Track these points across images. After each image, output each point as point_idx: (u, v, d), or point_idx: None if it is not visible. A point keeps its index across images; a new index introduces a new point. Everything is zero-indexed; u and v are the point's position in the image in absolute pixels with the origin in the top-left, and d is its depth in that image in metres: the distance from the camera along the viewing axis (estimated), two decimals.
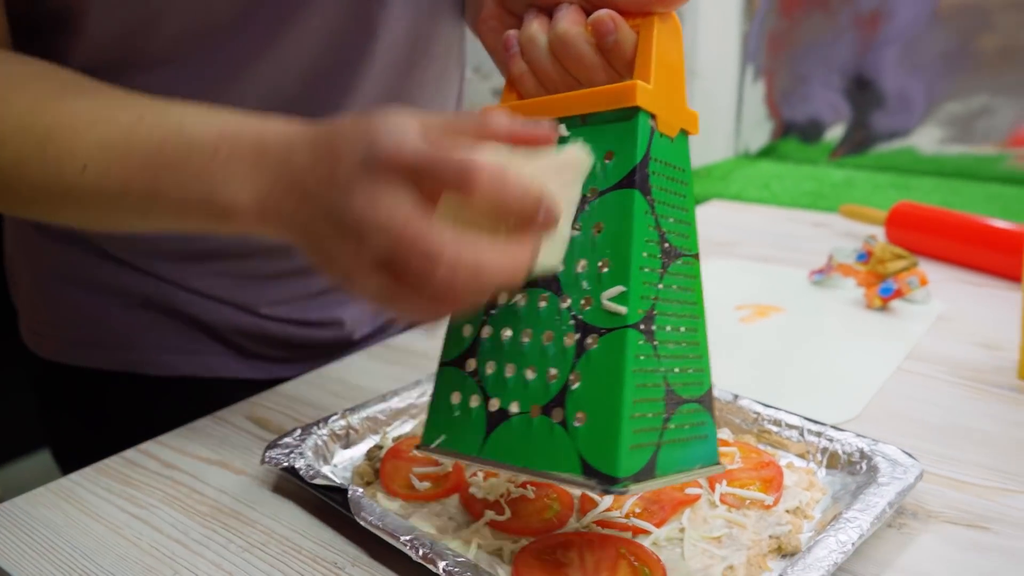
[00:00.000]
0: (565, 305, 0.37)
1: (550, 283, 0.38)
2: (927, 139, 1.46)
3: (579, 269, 0.37)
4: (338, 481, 0.44)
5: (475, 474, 0.47)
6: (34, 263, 0.65)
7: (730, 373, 0.63)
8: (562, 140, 0.39)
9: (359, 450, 0.52)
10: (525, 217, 0.35)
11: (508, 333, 0.39)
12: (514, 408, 0.38)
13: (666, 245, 0.38)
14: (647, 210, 0.37)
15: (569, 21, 0.40)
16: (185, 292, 0.63)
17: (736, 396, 0.54)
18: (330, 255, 0.36)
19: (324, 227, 0.36)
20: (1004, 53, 1.39)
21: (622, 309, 0.36)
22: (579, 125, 0.39)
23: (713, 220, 1.14)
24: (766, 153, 1.61)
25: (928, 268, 0.88)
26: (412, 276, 0.34)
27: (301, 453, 0.47)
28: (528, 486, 0.45)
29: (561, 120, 0.39)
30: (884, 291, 0.76)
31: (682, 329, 0.39)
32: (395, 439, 0.51)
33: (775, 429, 0.51)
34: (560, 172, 0.37)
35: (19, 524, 0.45)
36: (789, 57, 1.55)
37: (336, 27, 0.56)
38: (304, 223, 0.37)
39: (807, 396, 0.60)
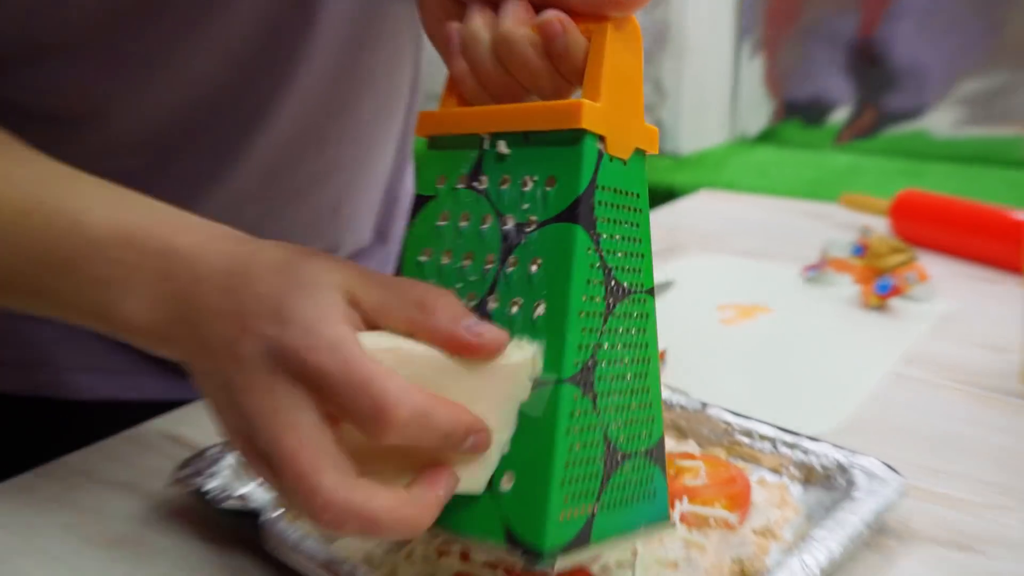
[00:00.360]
0: None
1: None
2: (942, 121, 1.47)
3: (513, 310, 0.37)
4: (253, 504, 0.44)
5: None
6: None
7: (706, 380, 0.63)
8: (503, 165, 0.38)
9: None
10: (447, 449, 0.34)
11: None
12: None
13: (612, 283, 0.37)
14: (590, 247, 0.36)
15: (514, 20, 0.38)
16: None
17: (705, 404, 0.54)
18: (222, 418, 0.36)
19: (219, 394, 0.36)
20: None
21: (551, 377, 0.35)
22: (522, 143, 0.38)
23: (701, 211, 1.15)
24: (765, 137, 1.62)
25: (935, 263, 0.88)
26: (295, 503, 0.33)
27: (215, 473, 0.47)
28: None
29: (502, 136, 0.39)
30: (881, 288, 0.76)
31: (628, 376, 0.38)
32: None
33: (746, 441, 0.52)
34: (503, 381, 0.36)
35: None
36: (790, 30, 1.56)
37: (269, 10, 0.55)
38: (201, 374, 0.37)
39: (789, 404, 0.60)
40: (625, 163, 0.38)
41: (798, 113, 1.59)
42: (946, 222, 0.93)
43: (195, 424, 0.58)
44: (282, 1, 0.55)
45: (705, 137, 1.62)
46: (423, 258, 0.40)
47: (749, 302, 0.79)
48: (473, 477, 0.36)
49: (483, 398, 0.35)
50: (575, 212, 0.36)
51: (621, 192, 0.38)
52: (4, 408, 0.63)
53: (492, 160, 0.39)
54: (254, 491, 0.49)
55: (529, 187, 0.37)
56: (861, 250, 0.80)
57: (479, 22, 0.40)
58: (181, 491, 0.47)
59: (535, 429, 0.35)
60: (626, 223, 0.38)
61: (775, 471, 0.50)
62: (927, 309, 0.77)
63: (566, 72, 0.39)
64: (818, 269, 0.84)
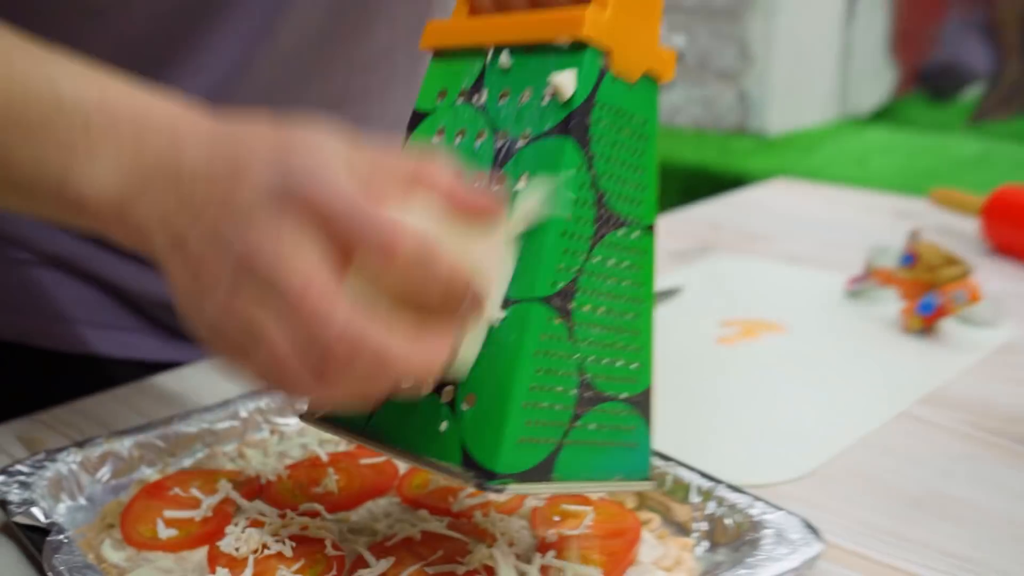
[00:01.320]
0: None
1: None
2: None
3: None
4: (45, 520, 0.47)
5: (236, 523, 0.48)
6: None
7: (667, 409, 0.62)
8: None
9: (127, 482, 0.54)
10: (448, 301, 0.38)
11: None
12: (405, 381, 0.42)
13: (603, 210, 0.41)
14: (581, 165, 0.40)
15: None
16: (102, 250, 0.68)
17: None
18: (200, 285, 0.39)
19: (205, 249, 0.39)
20: None
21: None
22: (524, 54, 0.43)
23: (760, 205, 1.13)
24: (882, 116, 1.57)
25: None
26: (302, 343, 0.37)
27: (28, 484, 0.50)
28: (287, 540, 0.47)
29: (506, 48, 0.43)
30: (923, 308, 0.74)
31: (616, 313, 0.43)
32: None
33: (659, 486, 0.51)
34: (499, 246, 0.40)
35: None
36: None
37: None
38: (177, 235, 0.40)
39: (758, 447, 0.60)
40: (631, 86, 0.42)
41: (926, 85, 1.54)
42: None
43: (57, 427, 0.61)
44: None
45: (803, 114, 1.57)
46: None
47: (761, 318, 0.78)
48: (469, 346, 0.40)
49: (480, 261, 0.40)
50: (567, 125, 0.40)
51: (624, 114, 0.42)
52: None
53: (495, 73, 0.43)
54: (80, 508, 0.52)
55: (527, 99, 0.42)
56: (911, 259, 0.78)
57: None
58: None
59: (501, 348, 0.39)
60: (627, 148, 0.43)
61: (684, 525, 0.50)
62: (987, 337, 0.75)
63: None
64: (862, 282, 0.82)
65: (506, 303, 0.40)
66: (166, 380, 0.68)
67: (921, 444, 0.60)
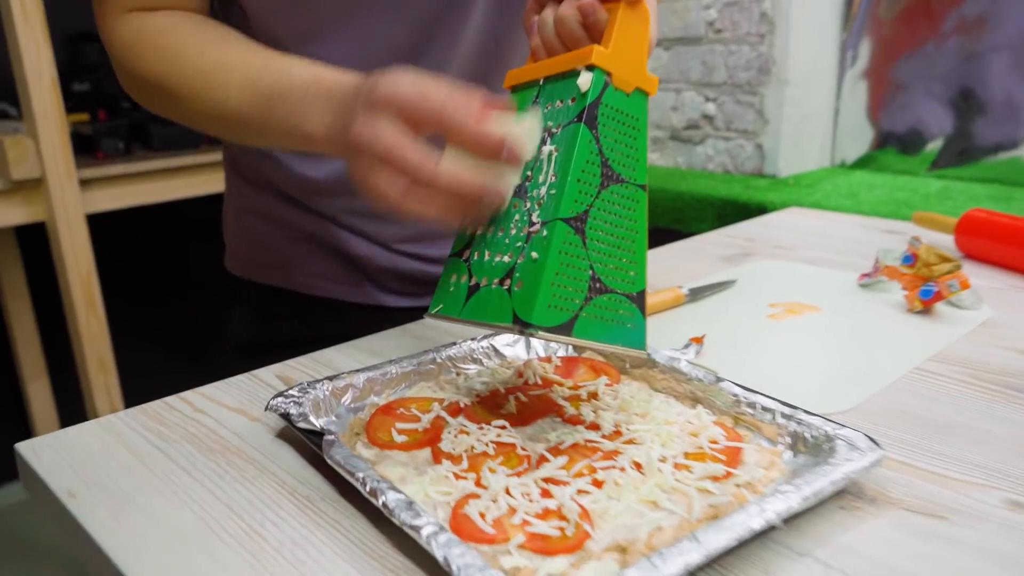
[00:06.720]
0: (527, 206, 0.48)
1: (519, 192, 0.49)
2: None
3: (540, 178, 0.47)
4: (319, 426, 0.48)
5: (448, 432, 0.50)
6: (236, 202, 0.82)
7: (742, 363, 0.63)
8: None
9: (362, 405, 0.56)
10: (489, 150, 0.46)
11: (491, 229, 0.50)
12: (484, 282, 0.48)
13: (607, 169, 0.47)
14: (591, 140, 0.46)
15: (567, 7, 0.52)
16: (337, 228, 0.77)
17: (719, 379, 0.54)
18: (349, 158, 0.50)
19: (345, 141, 0.49)
20: None
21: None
22: (559, 80, 0.50)
23: (782, 225, 1.12)
24: (862, 163, 1.55)
25: (994, 277, 0.84)
26: (401, 183, 0.47)
27: (299, 403, 0.52)
28: (489, 444, 0.48)
29: (550, 78, 0.51)
30: (924, 294, 0.73)
31: (616, 237, 0.47)
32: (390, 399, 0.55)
33: (750, 412, 0.52)
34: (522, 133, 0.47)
35: (66, 447, 0.52)
36: (890, 64, 1.49)
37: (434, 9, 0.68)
38: (341, 139, 0.51)
39: (811, 387, 0.59)
40: (627, 95, 0.48)
41: (895, 141, 1.51)
42: (1007, 240, 0.87)
43: (300, 369, 0.63)
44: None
45: (804, 162, 1.56)
46: None
47: (801, 301, 0.77)
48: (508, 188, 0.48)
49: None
50: (581, 115, 0.47)
51: (621, 112, 0.48)
52: (271, 295, 0.81)
53: (543, 94, 0.51)
54: (334, 421, 0.54)
55: (560, 106, 0.49)
56: (911, 259, 0.77)
57: (548, 12, 0.54)
58: (278, 417, 0.52)
59: (539, 249, 0.45)
60: (624, 134, 0.48)
61: (772, 439, 0.50)
62: (971, 316, 0.73)
63: (596, 38, 0.51)
64: (872, 276, 0.81)
65: (542, 222, 0.45)
66: (371, 341, 0.70)
67: (936, 390, 0.59)
